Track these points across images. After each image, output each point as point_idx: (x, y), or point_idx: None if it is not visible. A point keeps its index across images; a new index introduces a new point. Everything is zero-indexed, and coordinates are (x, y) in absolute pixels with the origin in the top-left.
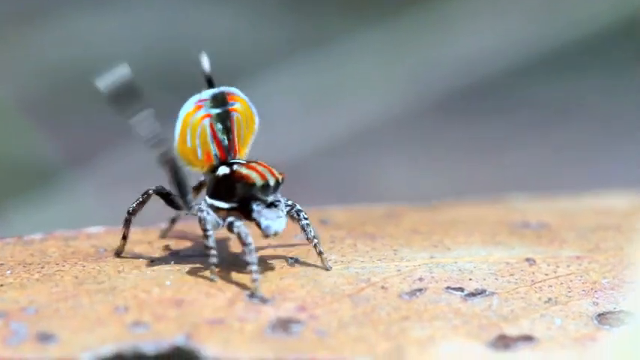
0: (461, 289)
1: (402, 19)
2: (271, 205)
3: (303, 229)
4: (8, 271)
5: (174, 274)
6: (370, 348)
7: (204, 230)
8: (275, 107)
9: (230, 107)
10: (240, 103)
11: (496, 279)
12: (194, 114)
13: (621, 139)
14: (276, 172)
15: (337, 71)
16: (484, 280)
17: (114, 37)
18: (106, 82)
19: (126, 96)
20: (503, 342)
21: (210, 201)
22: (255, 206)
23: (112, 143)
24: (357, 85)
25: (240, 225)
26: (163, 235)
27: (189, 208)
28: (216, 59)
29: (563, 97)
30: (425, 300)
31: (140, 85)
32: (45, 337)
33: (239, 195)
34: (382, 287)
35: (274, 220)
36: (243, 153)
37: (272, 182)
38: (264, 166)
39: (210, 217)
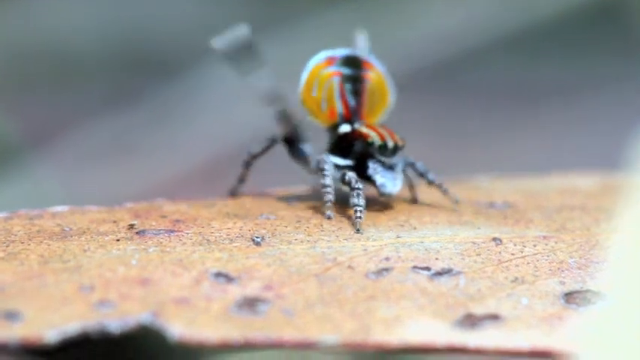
0: (427, 269)
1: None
2: (389, 166)
3: (421, 174)
4: None
5: (139, 253)
6: (336, 327)
7: (322, 170)
8: (235, 86)
9: (364, 73)
10: (376, 74)
11: (462, 258)
12: (324, 68)
13: (585, 119)
14: (397, 137)
15: (301, 50)
16: (450, 259)
17: (75, 16)
18: (224, 41)
19: (244, 55)
20: (470, 321)
21: (329, 157)
22: (371, 164)
23: (73, 123)
24: None
25: (352, 174)
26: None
27: (307, 162)
28: (180, 38)
29: (527, 77)
30: (391, 279)
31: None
32: (10, 316)
33: (357, 153)
34: (349, 267)
35: (390, 180)
36: (371, 122)
37: (390, 145)
38: (386, 129)
39: (329, 163)
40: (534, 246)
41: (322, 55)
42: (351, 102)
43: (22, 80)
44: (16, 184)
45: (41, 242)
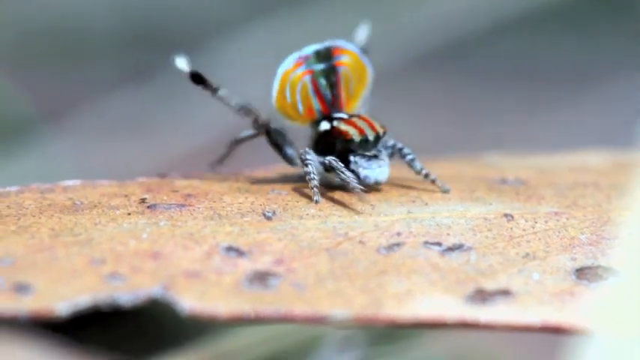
0: (439, 244)
1: None
2: (371, 157)
3: (409, 164)
4: None
5: (150, 226)
6: (348, 302)
7: (304, 160)
8: (249, 63)
9: (336, 61)
10: (349, 56)
11: (474, 234)
12: (294, 71)
13: (597, 101)
14: (377, 126)
15: (311, 29)
16: (462, 235)
17: None
18: (185, 64)
19: (203, 77)
20: (481, 296)
21: (311, 151)
22: (352, 157)
23: (85, 99)
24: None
25: (331, 157)
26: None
27: (292, 163)
28: (192, 14)
29: (540, 58)
30: (403, 254)
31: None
32: (21, 288)
33: (339, 149)
34: (360, 242)
35: (373, 169)
36: (352, 106)
37: (371, 137)
38: (365, 120)
39: (311, 153)
40: (546, 222)
41: (290, 59)
42: (328, 96)
43: (34, 56)
44: (28, 159)
45: (52, 216)
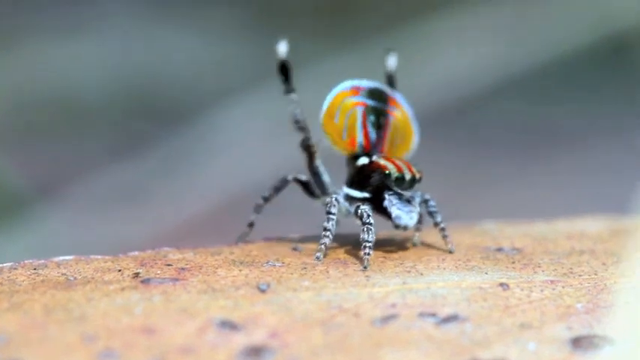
0: (434, 315)
1: (372, 43)
2: (406, 200)
3: (431, 214)
4: None
5: (144, 301)
6: None
7: (328, 213)
8: (242, 131)
9: (388, 109)
10: (401, 113)
11: (469, 304)
12: (349, 96)
13: (594, 163)
14: (414, 169)
15: (309, 95)
16: (457, 305)
17: (81, 62)
18: (284, 50)
19: (289, 71)
20: None
21: (346, 190)
22: (387, 196)
23: (79, 171)
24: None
25: (366, 207)
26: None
27: (326, 193)
28: (183, 83)
29: (534, 121)
30: (398, 326)
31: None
32: None
33: (374, 184)
34: (354, 314)
35: (406, 212)
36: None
37: (408, 176)
38: (404, 162)
39: (339, 204)
40: (541, 291)
41: (348, 84)
42: (372, 134)
43: (28, 128)
44: (21, 234)
45: (45, 292)
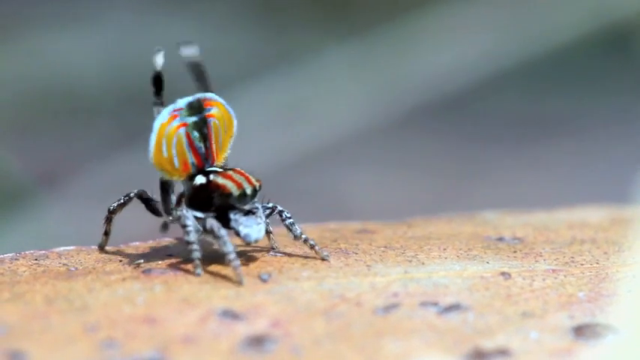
0: (436, 304)
1: (370, 35)
2: (249, 212)
3: (288, 228)
4: None
5: (145, 291)
6: None
7: (184, 226)
8: (244, 122)
9: (207, 113)
10: (217, 107)
11: (471, 293)
12: (169, 124)
13: (594, 153)
14: (253, 180)
15: (306, 86)
16: (459, 294)
17: (79, 53)
18: (160, 60)
19: (162, 83)
20: (479, 356)
21: (189, 211)
22: (232, 215)
23: (81, 162)
24: (326, 100)
25: (213, 221)
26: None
27: (170, 214)
28: (183, 75)
29: (533, 111)
30: (400, 315)
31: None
32: (16, 356)
33: (216, 204)
34: (356, 303)
35: (252, 227)
36: (221, 158)
37: (249, 191)
38: (241, 174)
39: (191, 219)
40: (543, 280)
41: (165, 113)
42: (201, 149)
43: (30, 119)
44: (23, 224)
45: (47, 282)
